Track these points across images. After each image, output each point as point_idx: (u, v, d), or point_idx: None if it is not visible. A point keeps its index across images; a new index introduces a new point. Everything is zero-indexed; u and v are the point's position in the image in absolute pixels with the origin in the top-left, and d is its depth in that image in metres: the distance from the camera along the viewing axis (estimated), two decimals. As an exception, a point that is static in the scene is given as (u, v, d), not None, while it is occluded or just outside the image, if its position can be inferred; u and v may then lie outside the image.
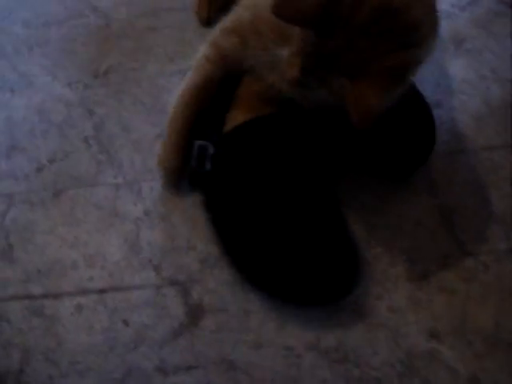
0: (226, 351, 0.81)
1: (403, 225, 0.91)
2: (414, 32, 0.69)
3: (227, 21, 0.94)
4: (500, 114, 1.05)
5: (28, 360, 0.81)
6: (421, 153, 0.92)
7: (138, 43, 1.17)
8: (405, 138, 0.89)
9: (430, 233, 0.90)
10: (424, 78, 1.07)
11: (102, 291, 0.87)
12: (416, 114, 0.91)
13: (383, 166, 0.93)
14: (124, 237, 0.91)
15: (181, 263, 0.88)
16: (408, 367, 0.79)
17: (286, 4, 0.67)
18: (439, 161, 0.98)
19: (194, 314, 0.84)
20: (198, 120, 0.94)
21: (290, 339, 0.82)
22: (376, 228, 0.91)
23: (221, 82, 0.94)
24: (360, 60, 0.68)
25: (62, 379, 0.80)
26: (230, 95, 0.94)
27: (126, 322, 0.84)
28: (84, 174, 0.99)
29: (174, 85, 1.02)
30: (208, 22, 1.16)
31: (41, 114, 1.08)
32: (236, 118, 0.91)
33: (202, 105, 0.94)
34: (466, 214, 0.92)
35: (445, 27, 1.17)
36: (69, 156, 1.01)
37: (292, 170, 0.87)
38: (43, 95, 1.11)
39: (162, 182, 0.97)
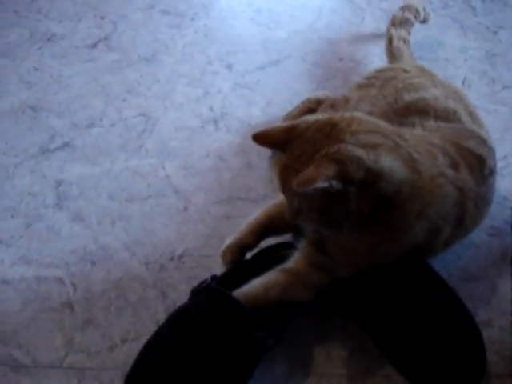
0: None
1: None
2: None
3: None
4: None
5: None
6: (469, 379, 0.95)
7: (213, 230, 1.26)
8: (452, 362, 0.94)
9: None
10: (474, 296, 1.13)
11: None
12: (464, 336, 0.97)
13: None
14: None
15: None
16: None
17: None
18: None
19: None
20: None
21: None
22: None
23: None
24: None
25: None
26: None
27: None
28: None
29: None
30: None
31: (118, 290, 1.15)
32: None
33: (269, 232, 1.13)
34: None
35: (495, 245, 1.24)
36: (140, 338, 1.07)
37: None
38: (121, 271, 1.19)
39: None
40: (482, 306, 1.14)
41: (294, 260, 1.03)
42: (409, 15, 1.59)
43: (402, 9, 1.60)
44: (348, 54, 1.71)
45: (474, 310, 1.03)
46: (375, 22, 1.84)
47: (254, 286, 1.00)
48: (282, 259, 1.05)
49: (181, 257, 1.22)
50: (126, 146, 1.43)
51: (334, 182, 0.83)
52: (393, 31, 1.53)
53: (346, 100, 1.30)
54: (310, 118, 0.94)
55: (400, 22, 1.56)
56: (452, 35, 1.83)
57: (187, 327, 0.94)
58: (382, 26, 1.72)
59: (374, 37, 1.76)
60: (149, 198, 1.33)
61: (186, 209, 1.30)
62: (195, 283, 1.09)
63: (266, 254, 1.10)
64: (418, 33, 1.74)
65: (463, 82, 1.65)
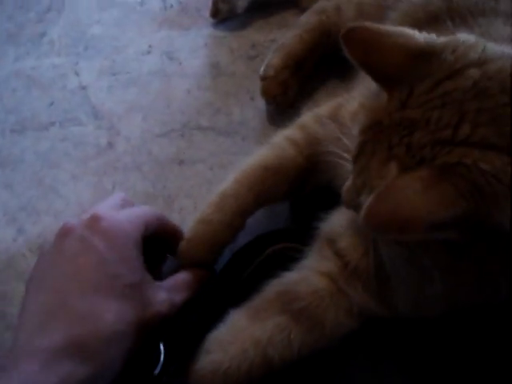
0: None
1: None
2: None
3: (322, 109, 0.66)
4: None
5: None
6: None
7: (158, 189, 0.75)
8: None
9: None
10: None
11: None
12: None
13: None
14: None
15: None
16: None
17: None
18: None
19: None
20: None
21: None
22: None
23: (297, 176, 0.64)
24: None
25: None
26: None
27: None
28: None
29: None
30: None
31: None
32: None
33: (265, 194, 0.63)
34: None
35: None
36: None
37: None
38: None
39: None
40: None
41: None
42: None
43: None
44: None
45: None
46: None
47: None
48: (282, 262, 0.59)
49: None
50: (19, 36, 0.88)
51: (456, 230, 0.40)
52: None
53: None
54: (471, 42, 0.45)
55: None
56: None
57: None
58: None
59: None
60: (51, 127, 0.79)
61: (110, 145, 0.78)
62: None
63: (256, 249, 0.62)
64: None
65: None
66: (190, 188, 0.74)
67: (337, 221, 0.58)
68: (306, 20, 0.81)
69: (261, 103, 0.79)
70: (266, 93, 0.78)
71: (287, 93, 0.79)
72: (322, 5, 0.82)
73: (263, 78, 0.78)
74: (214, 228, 0.61)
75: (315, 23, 0.80)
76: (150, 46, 0.88)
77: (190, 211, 0.71)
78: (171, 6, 0.93)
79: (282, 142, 0.66)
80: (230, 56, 0.85)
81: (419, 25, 0.53)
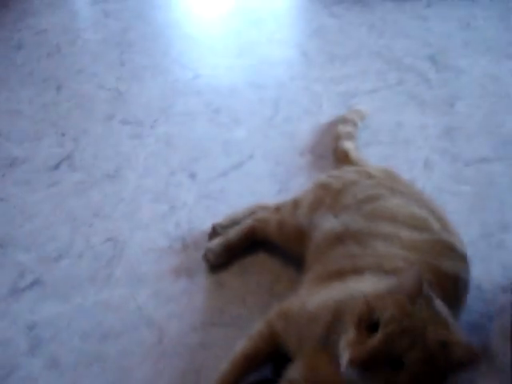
0: None
1: None
2: None
3: (284, 305, 1.12)
4: None
5: None
6: None
7: (189, 364, 1.25)
8: None
9: None
10: None
11: None
12: None
13: None
14: None
15: None
16: None
17: None
18: None
19: None
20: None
21: None
22: None
23: (268, 356, 1.12)
24: None
25: None
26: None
27: None
28: None
29: None
30: None
31: None
32: None
33: (248, 371, 1.11)
34: None
35: (473, 342, 1.24)
36: None
37: None
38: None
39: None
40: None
41: None
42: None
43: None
44: (308, 148, 1.73)
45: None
46: (333, 107, 1.87)
47: None
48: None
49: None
50: (96, 277, 1.43)
51: None
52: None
53: (296, 204, 1.34)
54: None
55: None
56: (410, 113, 1.86)
57: None
58: (341, 111, 1.76)
59: (333, 126, 1.78)
60: (122, 334, 1.31)
61: (160, 341, 1.29)
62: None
63: None
64: (376, 116, 1.77)
65: (425, 164, 1.67)
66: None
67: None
68: None
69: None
70: None
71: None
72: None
73: None
74: None
75: None
76: (177, 274, 1.43)
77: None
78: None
79: (255, 335, 1.12)
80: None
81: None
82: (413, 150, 1.74)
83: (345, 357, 0.87)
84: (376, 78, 1.99)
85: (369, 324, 0.88)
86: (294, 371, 1.03)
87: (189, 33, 2.24)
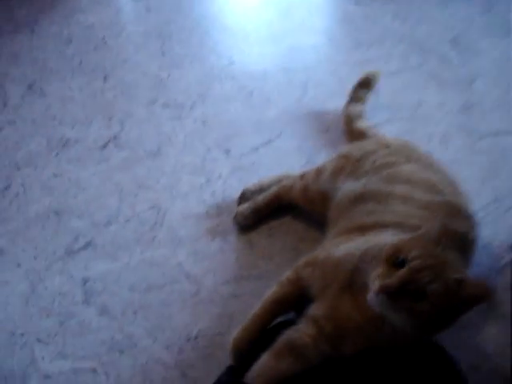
0: None
1: None
2: None
3: (310, 255, 1.24)
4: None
5: None
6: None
7: (223, 310, 1.42)
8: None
9: None
10: (461, 343, 1.29)
11: None
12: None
13: None
14: None
15: None
16: None
17: None
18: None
19: None
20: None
21: None
22: None
23: (295, 300, 1.22)
24: None
25: None
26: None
27: None
28: None
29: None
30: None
31: (144, 374, 1.32)
32: None
33: (277, 314, 1.22)
34: None
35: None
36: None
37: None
38: (146, 357, 1.35)
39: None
40: (470, 352, 1.29)
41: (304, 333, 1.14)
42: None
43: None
44: (333, 126, 1.87)
45: (462, 357, 1.15)
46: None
47: (264, 364, 1.13)
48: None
49: (196, 337, 1.37)
50: (141, 239, 1.60)
51: None
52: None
53: (319, 172, 1.48)
54: None
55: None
56: (430, 92, 1.98)
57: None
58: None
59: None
60: (165, 286, 1.49)
61: (197, 292, 1.46)
62: (213, 362, 1.27)
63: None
64: (397, 95, 1.90)
65: (442, 138, 1.80)
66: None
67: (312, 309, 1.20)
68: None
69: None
70: None
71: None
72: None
73: None
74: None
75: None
76: (213, 236, 1.61)
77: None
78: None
79: (283, 281, 1.23)
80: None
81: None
82: (431, 125, 1.85)
83: (374, 286, 0.99)
84: (399, 61, 2.10)
85: (396, 262, 1.01)
86: (316, 309, 1.16)
87: (224, 24, 2.39)
